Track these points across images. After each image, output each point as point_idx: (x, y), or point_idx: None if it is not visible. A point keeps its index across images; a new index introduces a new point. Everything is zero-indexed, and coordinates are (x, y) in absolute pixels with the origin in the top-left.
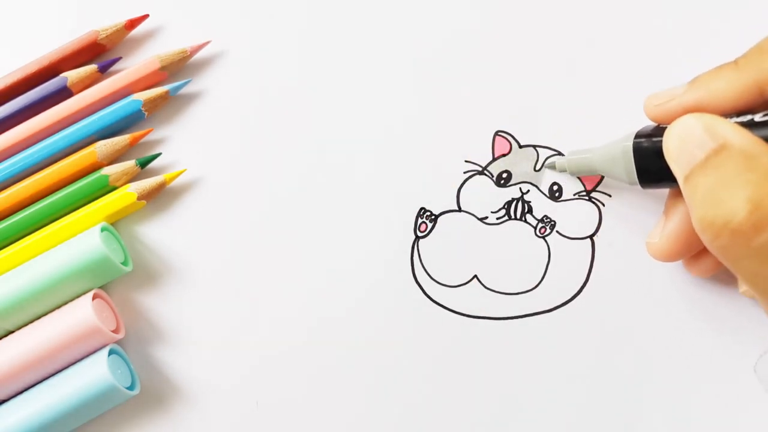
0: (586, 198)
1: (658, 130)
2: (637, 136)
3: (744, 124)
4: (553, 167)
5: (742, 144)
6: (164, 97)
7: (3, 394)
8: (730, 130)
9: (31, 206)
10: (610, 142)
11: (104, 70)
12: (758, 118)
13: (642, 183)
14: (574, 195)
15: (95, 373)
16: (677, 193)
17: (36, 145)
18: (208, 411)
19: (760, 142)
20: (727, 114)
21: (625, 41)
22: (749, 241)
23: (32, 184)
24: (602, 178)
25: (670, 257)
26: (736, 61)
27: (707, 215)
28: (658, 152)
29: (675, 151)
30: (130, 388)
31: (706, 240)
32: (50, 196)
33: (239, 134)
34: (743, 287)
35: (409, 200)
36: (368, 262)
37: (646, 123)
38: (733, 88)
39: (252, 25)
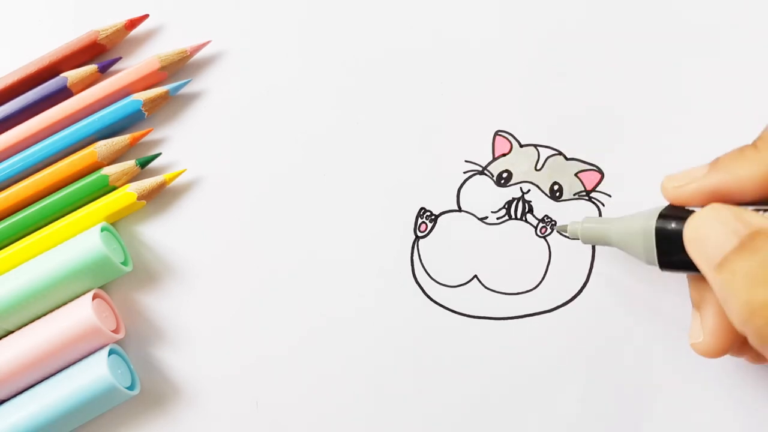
0: (587, 198)
1: (685, 213)
2: (661, 216)
3: None
4: (564, 231)
5: None
6: (164, 97)
7: (3, 394)
8: (759, 217)
9: (31, 206)
10: (630, 215)
11: (104, 70)
12: None
13: (662, 266)
14: (575, 195)
15: (95, 373)
16: (702, 284)
17: (36, 145)
18: (208, 411)
19: None
20: (749, 202)
21: (625, 41)
22: None
23: (32, 184)
24: (602, 178)
25: (723, 352)
26: (755, 145)
27: (755, 298)
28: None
29: (703, 239)
30: (130, 388)
31: (755, 327)
32: (50, 196)
33: (239, 134)
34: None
35: (409, 200)
36: (368, 262)
37: (649, 129)
38: (757, 174)
39: (252, 25)
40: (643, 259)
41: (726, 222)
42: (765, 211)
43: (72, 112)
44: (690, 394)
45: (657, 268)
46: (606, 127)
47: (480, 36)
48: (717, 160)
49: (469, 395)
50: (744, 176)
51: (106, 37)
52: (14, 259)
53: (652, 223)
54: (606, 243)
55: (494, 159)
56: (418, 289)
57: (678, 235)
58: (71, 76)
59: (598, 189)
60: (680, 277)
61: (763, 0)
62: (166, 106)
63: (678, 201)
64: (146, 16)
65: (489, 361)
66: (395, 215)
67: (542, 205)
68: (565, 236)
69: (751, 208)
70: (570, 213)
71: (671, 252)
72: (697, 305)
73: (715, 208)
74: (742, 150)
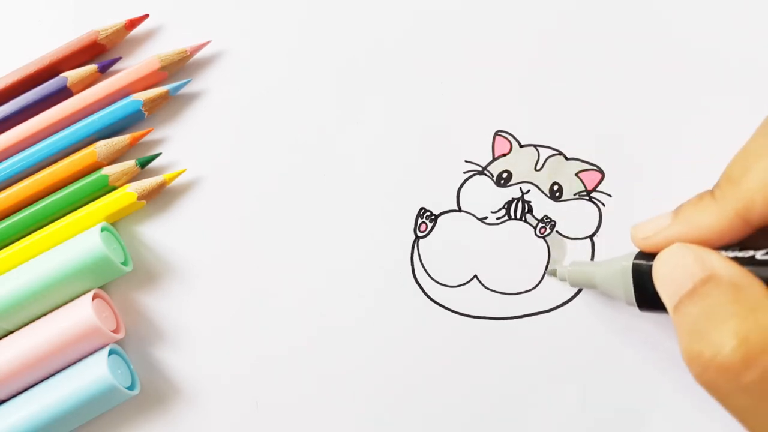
0: (586, 198)
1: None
2: (637, 257)
3: (743, 261)
4: (553, 275)
5: (730, 274)
6: (164, 97)
7: (3, 394)
8: (718, 261)
9: (31, 206)
10: (613, 258)
11: (104, 70)
12: (759, 255)
13: (640, 306)
14: (575, 195)
15: (95, 373)
16: None
17: (36, 145)
18: (208, 411)
19: (748, 274)
20: (717, 246)
21: (625, 40)
22: (737, 377)
23: (32, 184)
24: (603, 177)
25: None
26: (712, 193)
27: (693, 348)
28: None
29: (664, 279)
30: (130, 388)
31: (693, 374)
32: (50, 196)
33: (239, 134)
34: None
35: (409, 200)
36: (368, 263)
37: (650, 128)
38: (716, 222)
39: (252, 25)
40: (623, 299)
41: (684, 264)
42: (746, 259)
43: (72, 112)
44: (689, 394)
45: (637, 309)
46: (606, 127)
47: (480, 36)
48: (679, 209)
49: (469, 395)
50: (704, 226)
51: (106, 37)
52: (14, 259)
53: (629, 264)
54: (591, 285)
55: (494, 159)
56: (418, 289)
57: (651, 275)
58: (71, 76)
59: (598, 189)
60: None
61: (761, 2)
62: (166, 106)
63: (648, 251)
64: (146, 16)
65: (489, 361)
66: (395, 215)
67: (542, 206)
68: (553, 277)
69: (732, 253)
70: (570, 213)
71: (647, 292)
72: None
73: (677, 249)
74: (701, 198)
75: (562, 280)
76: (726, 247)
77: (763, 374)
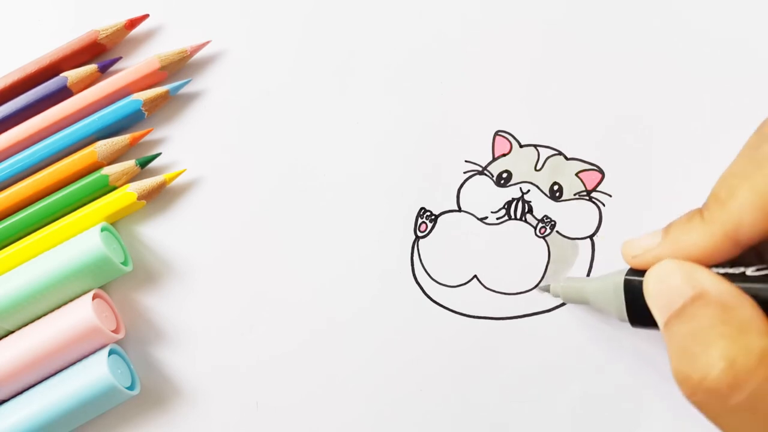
0: (586, 198)
1: None
2: (629, 273)
3: (734, 277)
4: (547, 291)
5: (719, 293)
6: (164, 97)
7: (3, 394)
8: (708, 279)
9: (31, 206)
10: (606, 274)
11: (104, 70)
12: (750, 272)
13: (632, 321)
14: (575, 195)
15: (95, 373)
16: None
17: (36, 145)
18: (208, 411)
19: (739, 294)
20: (708, 266)
21: (625, 40)
22: (726, 400)
23: (32, 184)
24: (603, 177)
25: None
26: (701, 213)
27: (682, 369)
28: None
29: (654, 295)
30: (130, 388)
31: (683, 394)
32: (50, 196)
33: (239, 134)
34: None
35: (409, 200)
36: (368, 262)
37: (650, 128)
38: (705, 242)
39: (252, 25)
40: (615, 315)
41: (673, 282)
42: (737, 275)
43: (72, 112)
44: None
45: (629, 325)
46: (606, 127)
47: (480, 36)
48: (668, 228)
49: (469, 395)
50: (693, 246)
51: (106, 37)
52: (14, 259)
53: (621, 278)
54: (584, 301)
55: (494, 159)
56: (418, 289)
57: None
58: (71, 75)
59: (598, 189)
60: None
61: (759, 1)
62: (166, 106)
63: (638, 268)
64: (146, 16)
65: (489, 361)
66: (395, 215)
67: (542, 206)
68: (546, 293)
69: (724, 270)
70: (570, 213)
71: (640, 307)
72: None
73: (666, 265)
74: (690, 217)
75: (555, 295)
76: (717, 264)
77: (750, 396)
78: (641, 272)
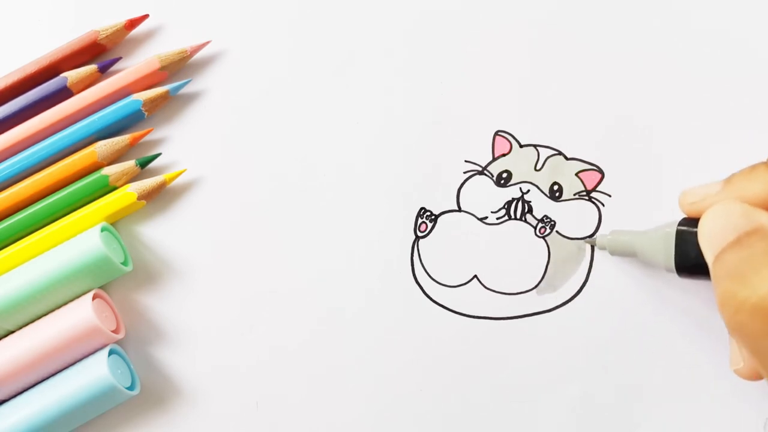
0: (586, 198)
1: None
2: (681, 223)
3: None
4: (593, 243)
5: None
6: (164, 97)
7: (3, 394)
8: (766, 217)
9: (31, 206)
10: (656, 226)
11: (104, 70)
12: None
13: (679, 270)
14: (575, 195)
15: (95, 373)
16: None
17: (36, 145)
18: (208, 411)
19: None
20: None
21: (624, 40)
22: None
23: (32, 184)
24: (602, 177)
25: (763, 375)
26: (766, 165)
27: (729, 289)
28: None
29: (710, 232)
30: (130, 388)
31: (725, 316)
32: (50, 196)
33: (239, 134)
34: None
35: (409, 200)
36: (368, 262)
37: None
38: (767, 191)
39: (252, 26)
40: (662, 264)
41: (732, 217)
42: None
43: (72, 112)
44: (689, 394)
45: (675, 275)
46: (607, 127)
47: (480, 36)
48: (731, 178)
49: (469, 395)
50: (756, 194)
51: (106, 37)
52: (14, 259)
53: (672, 230)
54: (631, 253)
55: (494, 159)
56: (418, 289)
57: (694, 240)
58: (71, 76)
59: (598, 189)
60: (679, 278)
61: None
62: (166, 106)
63: (693, 216)
64: (146, 16)
65: (489, 361)
66: (395, 215)
67: (542, 206)
68: (594, 246)
69: None
70: (570, 213)
71: (688, 256)
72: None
73: (727, 203)
74: (754, 168)
75: (602, 248)
76: None
77: None
78: (693, 223)
